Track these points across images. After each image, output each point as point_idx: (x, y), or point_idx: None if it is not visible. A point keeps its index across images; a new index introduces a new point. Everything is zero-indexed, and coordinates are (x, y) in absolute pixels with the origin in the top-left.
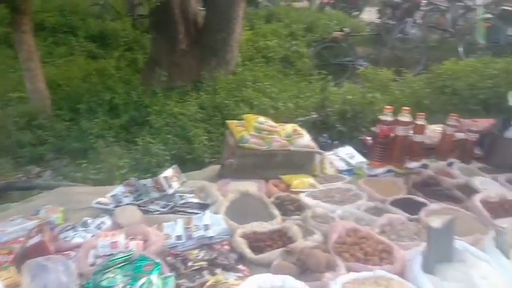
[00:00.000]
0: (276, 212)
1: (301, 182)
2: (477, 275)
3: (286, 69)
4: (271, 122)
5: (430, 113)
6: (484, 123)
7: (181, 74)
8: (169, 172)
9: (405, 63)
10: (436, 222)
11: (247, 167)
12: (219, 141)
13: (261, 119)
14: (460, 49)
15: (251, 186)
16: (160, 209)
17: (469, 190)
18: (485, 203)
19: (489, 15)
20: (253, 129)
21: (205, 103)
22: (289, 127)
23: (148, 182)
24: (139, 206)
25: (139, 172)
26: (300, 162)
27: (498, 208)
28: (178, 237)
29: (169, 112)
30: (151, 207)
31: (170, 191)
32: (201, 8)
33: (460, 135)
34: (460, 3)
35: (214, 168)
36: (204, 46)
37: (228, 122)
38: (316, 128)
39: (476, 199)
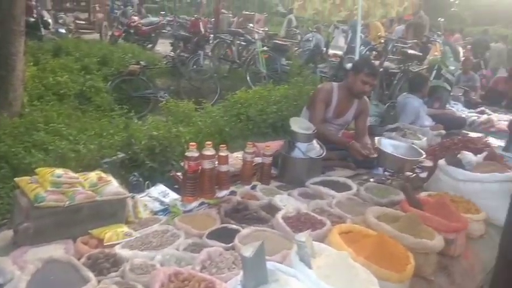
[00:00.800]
0: (90, 274)
1: (114, 234)
2: None
3: (83, 106)
4: (71, 173)
5: (231, 139)
6: (275, 146)
7: None
8: None
9: (203, 93)
10: (247, 251)
11: (49, 229)
12: (10, 197)
13: (58, 171)
14: (248, 78)
15: (56, 250)
16: None
17: (272, 209)
18: (286, 218)
19: (266, 48)
20: (50, 185)
21: None
22: (94, 175)
23: None
24: None
25: None
26: (111, 212)
27: (296, 222)
28: None
29: None
30: None
31: None
32: None
33: (258, 160)
34: (241, 37)
35: (6, 235)
36: None
37: (17, 179)
38: (125, 168)
39: (279, 216)
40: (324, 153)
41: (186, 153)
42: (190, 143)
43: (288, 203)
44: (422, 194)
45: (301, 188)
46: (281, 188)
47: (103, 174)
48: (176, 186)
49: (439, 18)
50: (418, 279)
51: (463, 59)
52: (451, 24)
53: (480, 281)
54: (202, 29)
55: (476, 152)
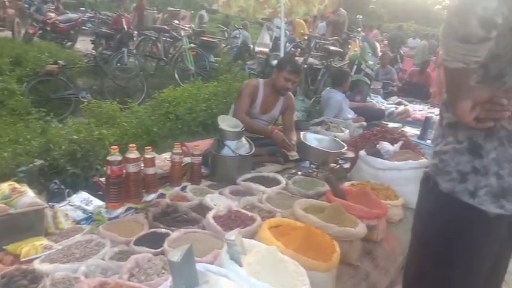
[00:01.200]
0: None
1: (32, 248)
2: None
3: None
4: None
5: (160, 139)
6: (205, 144)
7: None
8: None
9: (129, 93)
10: (175, 255)
11: None
12: None
13: None
14: (176, 76)
15: None
16: None
17: (203, 209)
18: (218, 217)
19: (193, 45)
20: None
21: None
22: (6, 187)
23: None
24: None
25: None
26: (27, 225)
27: (227, 220)
28: None
29: None
30: None
31: None
32: None
33: (187, 160)
34: (167, 34)
35: None
36: None
37: None
38: (45, 175)
39: (210, 216)
40: (253, 150)
41: (108, 158)
42: (112, 147)
43: (219, 201)
44: (346, 184)
45: (232, 185)
46: (212, 187)
47: (17, 185)
48: (100, 193)
49: (358, 16)
50: (344, 266)
51: (380, 54)
52: (370, 20)
53: (401, 262)
54: (125, 26)
55: (393, 141)
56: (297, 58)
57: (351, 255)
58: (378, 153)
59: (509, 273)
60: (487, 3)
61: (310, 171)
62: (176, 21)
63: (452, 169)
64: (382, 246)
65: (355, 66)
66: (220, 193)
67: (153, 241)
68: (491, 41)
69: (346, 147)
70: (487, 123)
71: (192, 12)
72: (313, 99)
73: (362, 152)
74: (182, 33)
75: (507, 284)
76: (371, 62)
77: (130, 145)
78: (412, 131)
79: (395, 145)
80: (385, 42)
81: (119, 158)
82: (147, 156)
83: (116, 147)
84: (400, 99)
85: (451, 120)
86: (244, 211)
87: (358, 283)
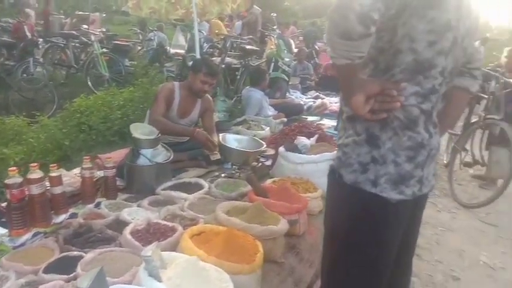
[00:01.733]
0: None
1: None
2: None
3: None
4: None
5: (73, 153)
6: (120, 155)
7: None
8: None
9: (38, 105)
10: (84, 282)
11: None
12: None
13: None
14: (89, 83)
15: None
16: None
17: (120, 225)
18: (135, 232)
19: (105, 50)
20: None
21: None
22: None
23: None
24: None
25: None
26: None
27: (145, 234)
28: None
29: None
30: None
31: None
32: None
33: (100, 174)
34: (76, 40)
35: None
36: None
37: None
38: None
39: (126, 232)
40: (172, 156)
41: (6, 181)
42: (10, 168)
43: (137, 215)
44: (268, 181)
45: (152, 196)
46: (130, 200)
47: None
48: (3, 220)
49: (272, 13)
50: (269, 264)
51: (296, 50)
52: (285, 17)
53: None
54: (28, 33)
55: (310, 135)
56: (214, 58)
57: (275, 252)
58: (296, 148)
59: (422, 247)
60: (362, 0)
61: (233, 172)
62: (85, 26)
63: (354, 161)
64: (305, 239)
65: (272, 64)
66: (138, 205)
67: (65, 266)
68: (371, 36)
69: (264, 146)
70: (381, 115)
71: (105, 15)
72: (234, 98)
73: (281, 148)
74: (92, 37)
75: (420, 257)
76: (287, 59)
77: (31, 164)
78: (330, 123)
79: (312, 139)
80: (301, 38)
81: (19, 179)
82: (53, 174)
83: (14, 168)
84: (317, 93)
85: (349, 114)
86: (165, 222)
87: (284, 279)
